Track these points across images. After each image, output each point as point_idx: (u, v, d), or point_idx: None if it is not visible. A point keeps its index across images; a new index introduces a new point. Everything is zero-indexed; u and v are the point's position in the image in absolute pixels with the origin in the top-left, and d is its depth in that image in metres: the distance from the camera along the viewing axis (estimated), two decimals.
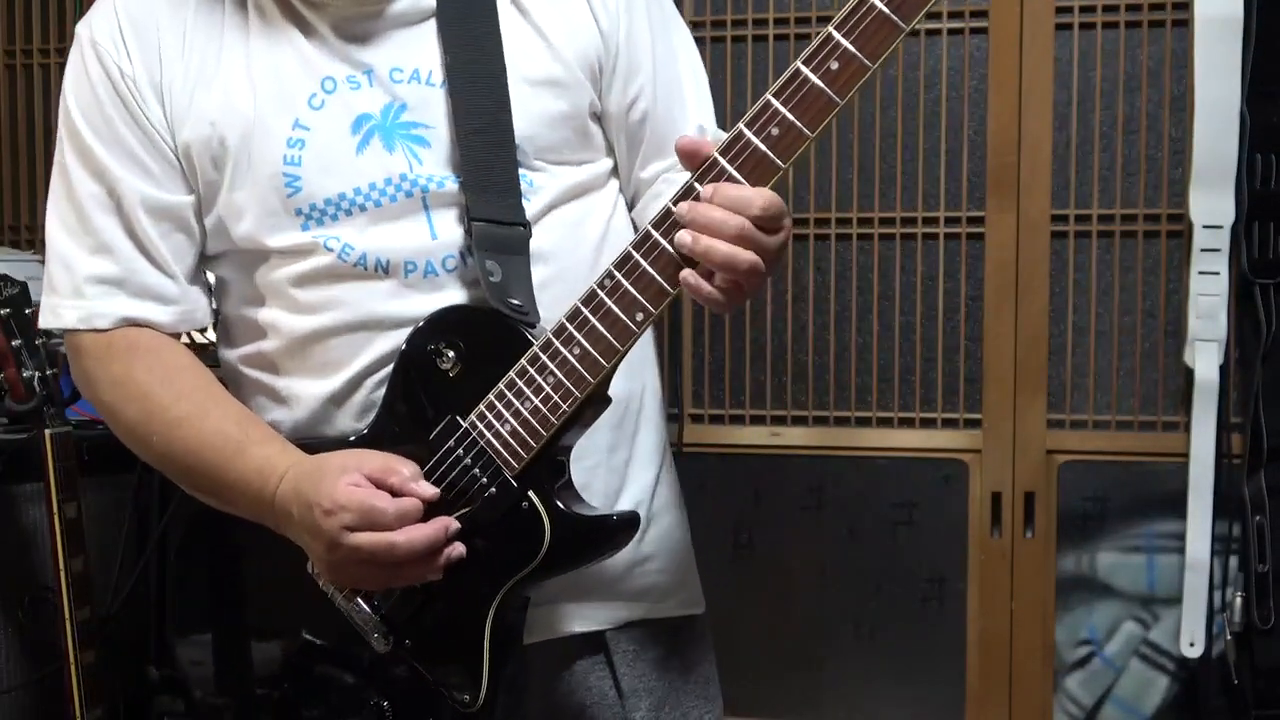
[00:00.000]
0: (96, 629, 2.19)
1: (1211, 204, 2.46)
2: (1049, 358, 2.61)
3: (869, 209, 2.67)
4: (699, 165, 1.17)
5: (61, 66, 2.98)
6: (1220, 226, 2.46)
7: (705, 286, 1.17)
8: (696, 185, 1.17)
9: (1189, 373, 2.50)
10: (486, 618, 1.25)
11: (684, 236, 1.17)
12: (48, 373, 2.12)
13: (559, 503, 1.24)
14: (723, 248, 1.15)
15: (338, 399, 1.32)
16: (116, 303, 1.33)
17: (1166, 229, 2.57)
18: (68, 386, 2.50)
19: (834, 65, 1.16)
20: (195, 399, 1.31)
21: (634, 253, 1.19)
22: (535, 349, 1.22)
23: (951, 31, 2.63)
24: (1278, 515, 2.44)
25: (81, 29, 1.35)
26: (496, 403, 1.23)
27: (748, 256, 1.15)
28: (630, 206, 1.45)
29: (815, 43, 1.15)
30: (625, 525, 1.27)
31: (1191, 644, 2.49)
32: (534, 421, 1.22)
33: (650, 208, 1.40)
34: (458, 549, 1.22)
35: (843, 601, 2.71)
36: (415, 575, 1.22)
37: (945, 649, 2.66)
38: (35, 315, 2.15)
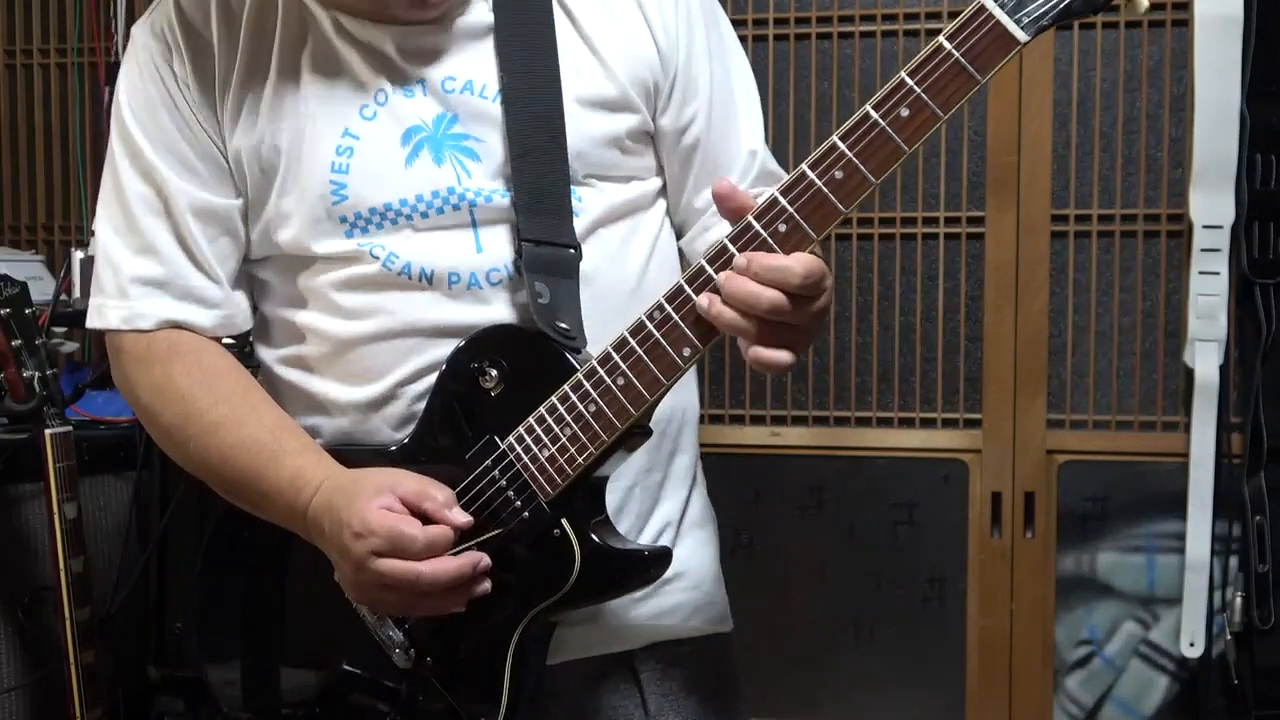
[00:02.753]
0: (96, 629, 2.19)
1: (1211, 204, 2.45)
2: (1049, 358, 2.61)
3: (869, 209, 2.67)
4: (743, 215, 1.15)
5: (61, 67, 3.01)
6: (1220, 226, 2.46)
7: (751, 351, 1.15)
8: (755, 223, 1.15)
9: (1189, 373, 2.50)
10: (510, 641, 1.25)
11: (701, 300, 1.15)
12: (48, 373, 2.12)
13: (591, 533, 1.23)
14: (727, 315, 1.14)
15: (375, 407, 1.31)
16: (159, 304, 1.33)
17: (1166, 229, 2.57)
18: (68, 386, 2.51)
19: (904, 112, 1.12)
20: (233, 404, 1.31)
21: (686, 287, 1.17)
22: (579, 376, 1.21)
23: None
24: (1278, 515, 2.44)
25: (137, 31, 1.35)
26: (536, 427, 1.22)
27: (746, 325, 1.14)
28: (679, 234, 1.43)
29: (887, 87, 1.13)
30: (657, 561, 1.26)
31: (1191, 644, 2.49)
32: (572, 449, 1.21)
33: (699, 241, 1.39)
34: (484, 585, 1.21)
35: (843, 601, 2.71)
36: (439, 605, 1.21)
37: (945, 649, 2.66)
38: (35, 315, 2.15)
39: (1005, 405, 2.61)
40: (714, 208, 1.37)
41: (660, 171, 1.39)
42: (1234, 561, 2.49)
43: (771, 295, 1.12)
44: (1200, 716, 2.54)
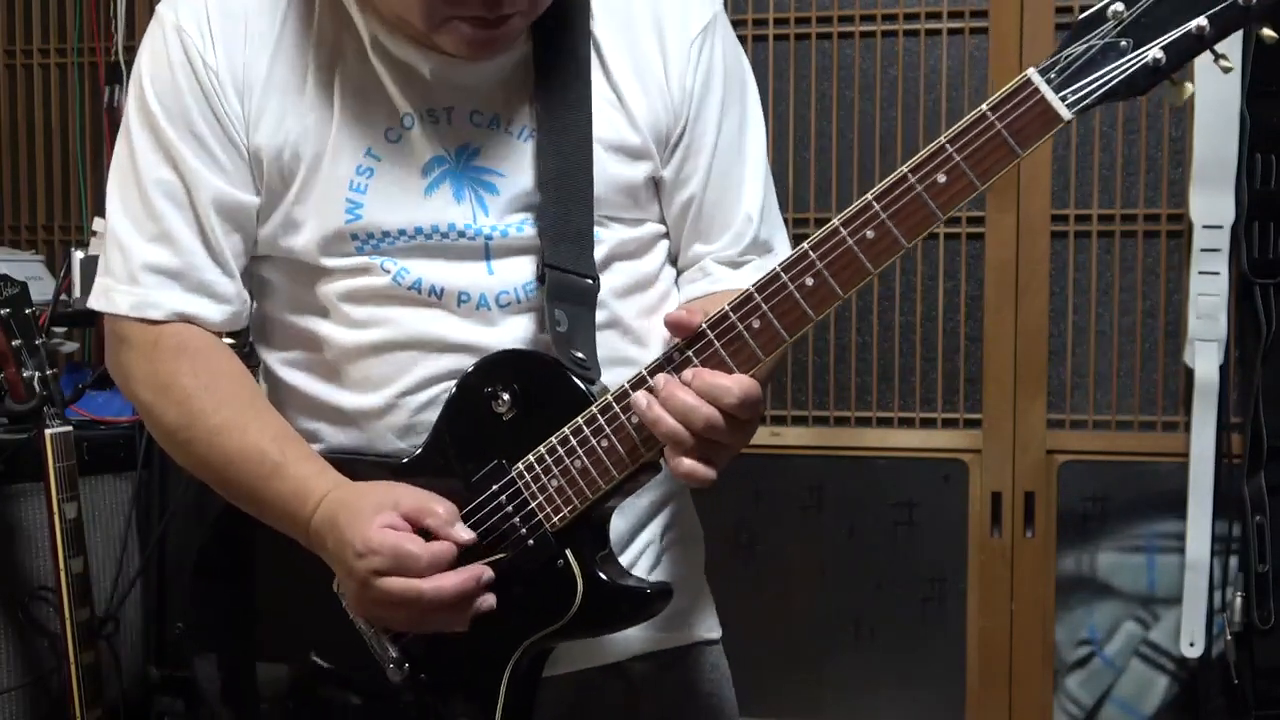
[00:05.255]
0: (96, 629, 2.19)
1: (1211, 204, 2.46)
2: (1049, 358, 2.61)
3: None
4: (770, 277, 1.17)
5: (61, 67, 3.01)
6: (1220, 226, 2.46)
7: (681, 464, 1.17)
8: (782, 274, 1.16)
9: (1189, 373, 2.50)
10: (507, 664, 1.25)
11: (640, 399, 1.17)
12: (48, 373, 2.12)
13: (594, 566, 1.23)
14: (667, 423, 1.15)
15: (377, 416, 1.30)
16: (171, 295, 1.30)
17: (1166, 229, 2.57)
18: (68, 386, 2.51)
19: (941, 178, 1.13)
20: (237, 408, 1.29)
21: (709, 332, 1.18)
22: (594, 410, 1.20)
23: (951, 31, 2.63)
24: (1278, 515, 2.44)
25: (166, 12, 1.32)
26: (547, 456, 1.22)
27: (685, 438, 1.15)
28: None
29: (925, 153, 1.13)
30: (658, 598, 1.26)
31: (1191, 644, 2.49)
32: (581, 482, 1.21)
33: (687, 290, 1.39)
34: (488, 600, 1.20)
35: (843, 601, 2.71)
36: (443, 622, 1.21)
37: (945, 649, 2.66)
38: (35, 315, 2.15)
39: (1005, 405, 2.61)
40: (700, 264, 1.39)
41: (662, 217, 1.40)
42: (1234, 561, 2.49)
43: (709, 412, 1.15)
44: (1200, 716, 2.54)
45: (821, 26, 2.68)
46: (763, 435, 2.71)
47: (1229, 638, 2.47)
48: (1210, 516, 2.47)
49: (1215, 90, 2.42)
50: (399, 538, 1.18)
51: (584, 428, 1.21)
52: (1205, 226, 2.46)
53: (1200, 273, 2.47)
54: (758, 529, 2.73)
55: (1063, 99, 1.11)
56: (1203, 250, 2.47)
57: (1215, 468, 2.47)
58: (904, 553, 2.68)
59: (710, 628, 1.45)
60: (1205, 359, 2.47)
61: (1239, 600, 2.46)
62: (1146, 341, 2.59)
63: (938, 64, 2.63)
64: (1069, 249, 2.60)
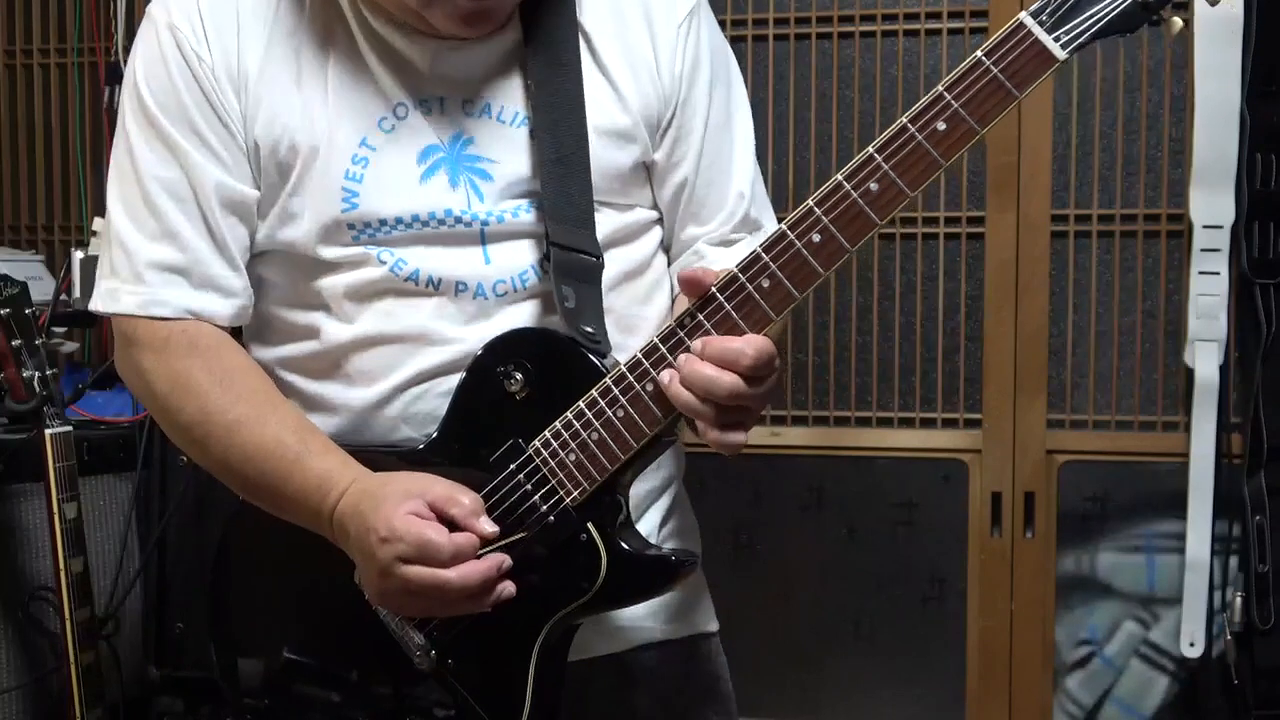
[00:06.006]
0: (96, 629, 2.19)
1: (1211, 204, 2.46)
2: (1049, 358, 2.61)
3: None
4: (772, 239, 1.17)
5: (61, 67, 3.01)
6: (1220, 226, 2.46)
7: (710, 434, 1.17)
8: (789, 233, 1.16)
9: (1189, 373, 2.50)
10: (534, 645, 1.25)
11: (664, 378, 1.17)
12: (48, 373, 2.12)
13: (618, 538, 1.23)
14: (688, 399, 1.16)
15: (372, 409, 1.31)
16: (179, 292, 1.30)
17: (1166, 229, 2.57)
18: (68, 386, 2.51)
19: (941, 126, 1.14)
20: (254, 402, 1.29)
21: (718, 295, 1.18)
22: (608, 381, 1.21)
23: (951, 31, 2.63)
24: (1278, 515, 2.44)
25: (156, 11, 1.32)
26: (563, 431, 1.22)
27: (712, 411, 1.16)
28: (668, 259, 1.44)
29: (923, 102, 1.15)
30: (683, 565, 1.26)
31: (1191, 644, 2.49)
32: (600, 454, 1.21)
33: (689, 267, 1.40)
34: (509, 587, 1.21)
35: (843, 601, 2.71)
36: (463, 609, 1.21)
37: (945, 649, 2.66)
38: (35, 315, 2.15)
39: (1005, 405, 2.61)
40: (693, 248, 1.40)
41: (655, 203, 1.40)
42: (1234, 561, 2.49)
43: (730, 380, 1.15)
44: (1200, 716, 2.54)
45: (821, 26, 2.68)
46: (763, 435, 2.71)
47: (1229, 638, 2.47)
48: (1210, 516, 2.47)
49: (1215, 90, 2.42)
50: (423, 526, 1.18)
51: (599, 400, 1.21)
52: (1205, 226, 2.47)
53: (1200, 273, 2.47)
54: (758, 529, 2.73)
55: (1056, 39, 1.12)
56: (1203, 250, 2.47)
57: (1215, 468, 2.47)
58: (904, 553, 2.68)
59: (709, 619, 1.46)
60: (1205, 359, 2.47)
61: (1239, 600, 2.46)
62: (1146, 341, 2.60)
63: (938, 64, 2.63)
64: (1069, 249, 2.60)
